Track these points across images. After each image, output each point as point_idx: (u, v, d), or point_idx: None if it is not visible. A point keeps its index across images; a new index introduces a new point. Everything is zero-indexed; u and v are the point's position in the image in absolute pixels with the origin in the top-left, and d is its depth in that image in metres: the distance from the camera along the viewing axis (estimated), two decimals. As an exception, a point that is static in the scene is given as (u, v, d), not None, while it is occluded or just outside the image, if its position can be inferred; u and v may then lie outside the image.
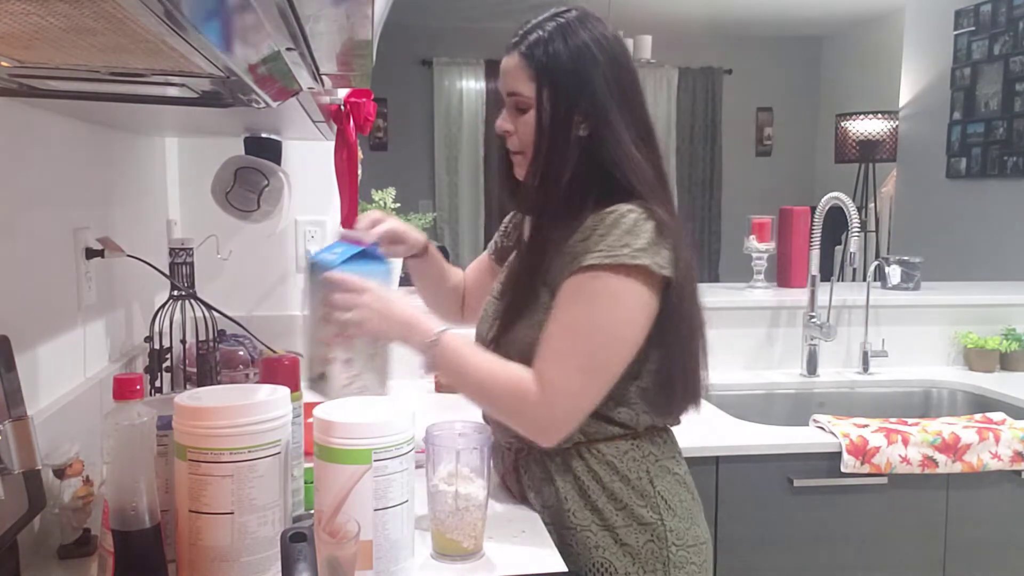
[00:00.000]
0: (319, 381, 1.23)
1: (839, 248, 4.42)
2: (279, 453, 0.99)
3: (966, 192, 4.26)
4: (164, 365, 1.60)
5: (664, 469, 1.24)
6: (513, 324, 1.22)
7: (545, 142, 1.19)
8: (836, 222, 2.50)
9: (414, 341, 1.20)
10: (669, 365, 1.21)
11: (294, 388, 1.15)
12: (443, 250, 6.38)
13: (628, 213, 1.14)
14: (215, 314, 1.62)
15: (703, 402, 1.30)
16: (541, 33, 1.18)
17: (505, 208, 1.49)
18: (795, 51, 6.88)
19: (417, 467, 1.07)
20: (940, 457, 1.76)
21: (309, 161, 2.10)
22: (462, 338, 1.21)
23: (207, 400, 0.99)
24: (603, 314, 1.13)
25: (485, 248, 1.54)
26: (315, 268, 1.23)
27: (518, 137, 1.22)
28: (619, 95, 1.19)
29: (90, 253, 1.41)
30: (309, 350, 1.25)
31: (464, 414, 1.28)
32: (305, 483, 1.19)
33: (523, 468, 1.28)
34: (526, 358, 1.17)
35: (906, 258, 2.56)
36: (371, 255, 1.28)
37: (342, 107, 1.44)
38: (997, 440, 1.78)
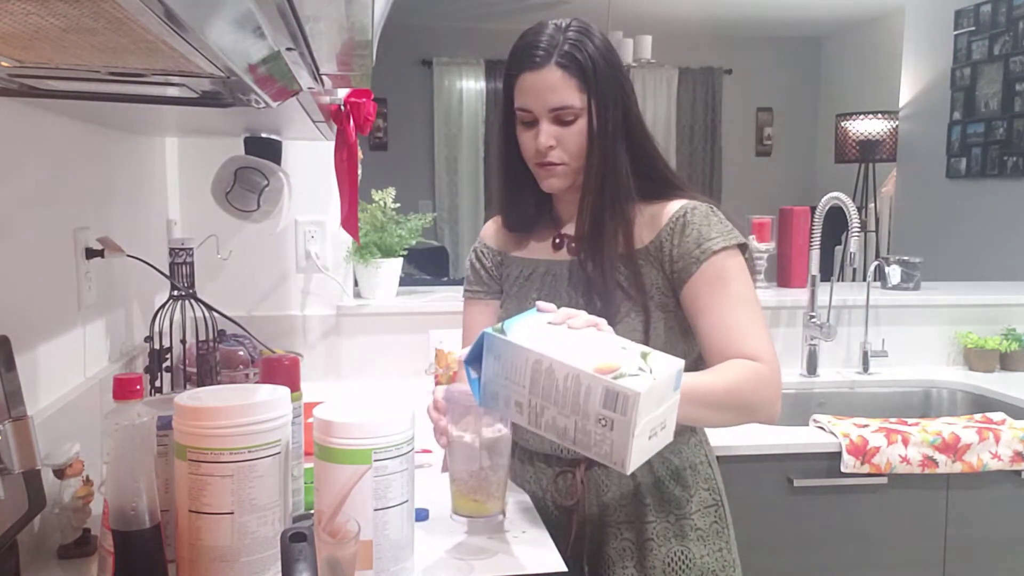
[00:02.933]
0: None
1: (839, 248, 4.41)
2: (279, 453, 0.99)
3: (966, 192, 4.26)
4: (164, 365, 1.60)
5: (712, 451, 1.36)
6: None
7: (600, 146, 1.22)
8: (836, 222, 2.49)
9: None
10: None
11: (294, 388, 1.15)
12: (442, 250, 6.31)
13: (698, 206, 1.24)
14: (215, 314, 1.62)
15: None
16: (570, 42, 1.20)
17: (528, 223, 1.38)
18: (795, 51, 6.88)
19: (417, 467, 1.07)
20: (940, 457, 1.76)
21: (309, 161, 2.10)
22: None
23: (207, 400, 0.99)
24: (748, 282, 1.22)
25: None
26: (513, 322, 1.00)
27: (563, 149, 1.23)
28: (632, 91, 1.27)
29: (90, 253, 1.41)
30: (598, 360, 0.93)
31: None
32: (305, 483, 1.19)
33: (598, 476, 1.29)
34: None
35: (906, 258, 2.56)
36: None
37: (342, 107, 1.43)
38: (997, 440, 1.78)
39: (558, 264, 1.32)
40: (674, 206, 1.26)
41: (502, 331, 0.99)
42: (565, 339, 0.98)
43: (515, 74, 1.23)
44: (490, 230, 1.45)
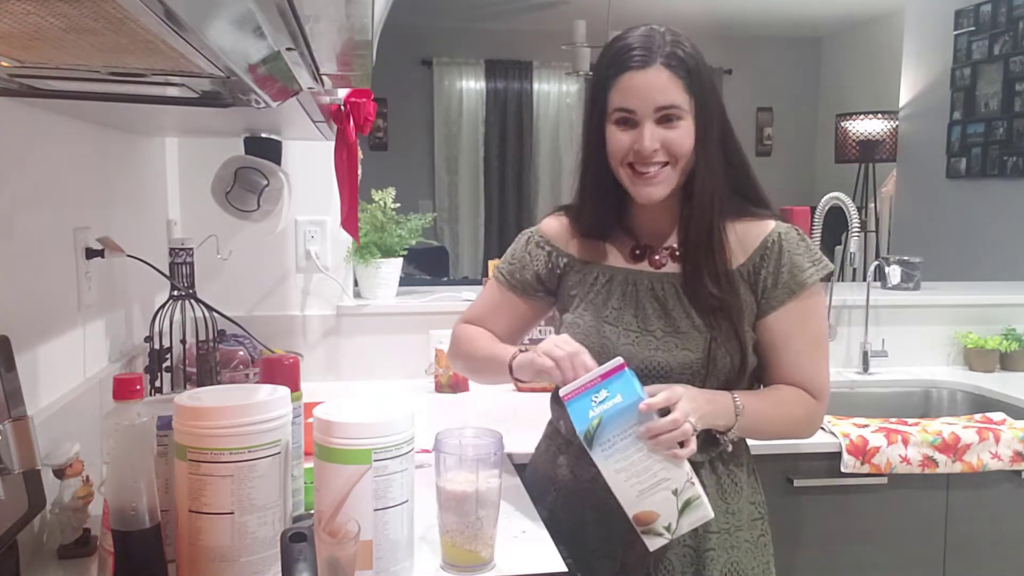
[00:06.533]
0: (666, 532, 1.14)
1: (839, 248, 4.41)
2: (279, 453, 1.00)
3: (966, 192, 4.26)
4: (164, 365, 1.60)
5: (756, 467, 1.37)
6: (717, 354, 1.24)
7: (703, 153, 1.21)
8: (836, 222, 2.49)
9: (726, 418, 1.21)
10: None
11: (294, 388, 1.15)
12: (443, 250, 6.30)
13: (789, 230, 1.26)
14: (215, 314, 1.62)
15: None
16: (672, 44, 1.18)
17: (587, 225, 1.34)
18: (795, 51, 6.88)
19: (417, 467, 1.06)
20: (940, 457, 1.76)
21: (309, 161, 2.10)
22: (747, 394, 1.25)
23: (207, 400, 0.99)
24: (825, 316, 1.32)
25: (486, 259, 1.52)
26: (610, 422, 1.11)
27: (666, 152, 1.19)
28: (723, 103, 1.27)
29: (90, 253, 1.41)
30: (642, 506, 1.13)
31: (466, 416, 1.28)
32: (305, 483, 1.19)
33: None
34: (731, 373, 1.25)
35: (906, 258, 2.56)
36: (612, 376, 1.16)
37: (342, 107, 1.43)
38: (997, 440, 1.78)
39: (637, 274, 1.30)
40: (765, 227, 1.26)
41: (592, 433, 1.12)
42: (635, 463, 1.12)
43: (613, 75, 1.19)
44: (554, 228, 1.38)
